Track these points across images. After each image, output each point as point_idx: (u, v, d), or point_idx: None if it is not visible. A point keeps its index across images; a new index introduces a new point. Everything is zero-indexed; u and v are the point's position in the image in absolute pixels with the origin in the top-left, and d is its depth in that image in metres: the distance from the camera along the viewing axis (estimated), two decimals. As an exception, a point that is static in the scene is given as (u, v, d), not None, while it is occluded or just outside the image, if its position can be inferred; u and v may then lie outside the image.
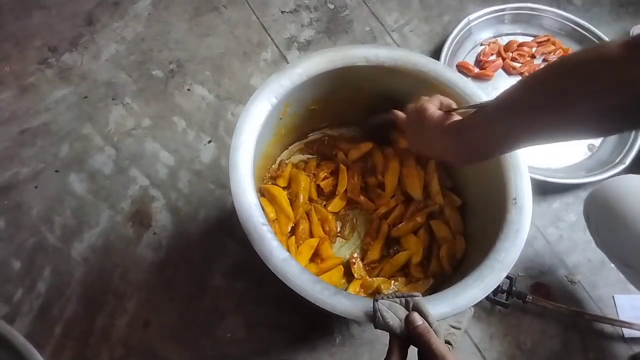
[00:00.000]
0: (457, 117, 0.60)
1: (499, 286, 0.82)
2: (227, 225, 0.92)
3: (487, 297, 0.83)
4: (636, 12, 1.28)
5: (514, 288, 0.84)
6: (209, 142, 1.00)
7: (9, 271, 0.84)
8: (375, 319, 0.50)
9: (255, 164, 0.67)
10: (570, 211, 1.00)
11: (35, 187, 0.92)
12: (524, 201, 0.67)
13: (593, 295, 0.93)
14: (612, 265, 0.95)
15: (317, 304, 0.55)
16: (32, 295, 0.83)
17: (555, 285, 0.93)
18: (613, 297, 0.93)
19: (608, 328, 0.90)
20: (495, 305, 0.87)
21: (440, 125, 0.59)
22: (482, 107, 0.54)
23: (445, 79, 0.74)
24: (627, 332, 0.90)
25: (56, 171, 0.94)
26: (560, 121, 0.45)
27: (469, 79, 1.06)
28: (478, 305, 0.88)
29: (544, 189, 1.00)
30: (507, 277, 0.84)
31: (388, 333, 0.50)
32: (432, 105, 0.63)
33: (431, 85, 0.75)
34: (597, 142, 1.07)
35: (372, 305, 0.52)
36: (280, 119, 0.76)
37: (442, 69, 0.75)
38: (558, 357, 0.87)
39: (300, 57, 0.73)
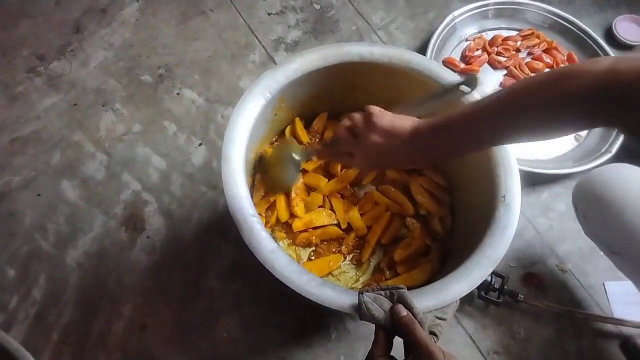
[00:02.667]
0: (409, 119, 0.58)
1: (490, 284, 0.83)
2: (220, 227, 0.93)
3: (479, 296, 0.85)
4: (618, 3, 1.30)
5: (505, 287, 0.85)
6: (200, 144, 1.00)
7: (3, 279, 0.85)
8: (360, 310, 0.51)
9: (248, 158, 0.68)
10: (559, 201, 1.01)
11: (28, 195, 0.92)
12: (512, 198, 0.68)
13: (584, 283, 0.94)
14: (602, 252, 0.97)
15: (303, 294, 0.56)
16: (27, 302, 0.83)
17: (547, 274, 0.94)
18: (604, 284, 0.94)
19: (600, 314, 0.91)
20: (488, 304, 0.88)
21: (403, 129, 0.57)
22: (461, 110, 0.54)
23: (437, 77, 0.75)
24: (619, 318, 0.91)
25: (48, 179, 0.94)
26: (548, 120, 0.47)
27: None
28: (471, 305, 0.89)
29: (533, 180, 1.01)
30: (499, 275, 0.85)
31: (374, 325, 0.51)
32: (377, 109, 0.60)
33: (424, 82, 0.76)
34: (583, 132, 1.08)
35: (357, 298, 0.52)
36: (276, 114, 0.77)
37: (435, 67, 0.76)
38: (552, 345, 0.88)
39: (295, 54, 0.74)
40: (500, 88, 1.11)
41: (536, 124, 0.49)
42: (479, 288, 0.84)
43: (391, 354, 0.50)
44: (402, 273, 0.77)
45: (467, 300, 0.89)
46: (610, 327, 0.90)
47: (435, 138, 0.55)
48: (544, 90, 0.46)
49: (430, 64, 0.76)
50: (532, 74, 0.46)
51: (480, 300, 0.87)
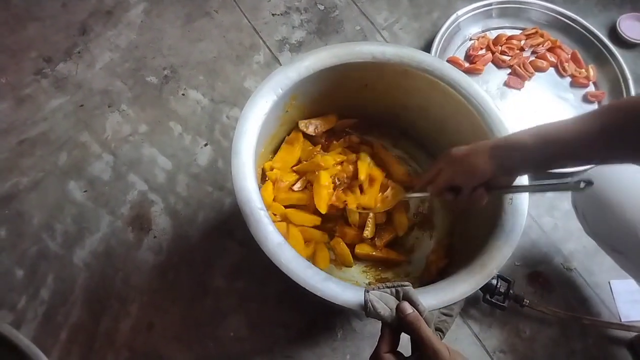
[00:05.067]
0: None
1: (496, 288, 0.83)
2: (226, 227, 0.93)
3: (484, 299, 0.85)
4: (622, 2, 1.30)
5: (511, 291, 0.84)
6: (205, 145, 1.01)
7: (12, 280, 0.85)
8: (366, 308, 0.51)
9: (258, 152, 0.69)
10: (564, 200, 1.01)
11: (36, 196, 0.93)
12: (520, 201, 0.68)
13: (590, 282, 0.94)
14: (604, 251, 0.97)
15: (307, 288, 0.56)
16: (36, 302, 0.84)
17: (552, 273, 0.94)
18: (609, 282, 0.94)
19: (606, 313, 0.91)
20: (493, 308, 0.88)
21: (483, 144, 0.63)
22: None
23: (449, 79, 0.76)
24: (625, 317, 0.91)
25: (55, 180, 0.95)
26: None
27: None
28: (477, 309, 0.89)
29: (538, 179, 1.01)
30: (505, 279, 0.85)
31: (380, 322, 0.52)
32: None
33: (435, 83, 0.76)
34: (588, 131, 1.08)
35: (362, 292, 0.53)
36: (287, 111, 0.78)
37: (447, 68, 0.76)
38: (557, 344, 0.88)
39: (307, 52, 0.74)
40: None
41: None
42: (484, 291, 0.84)
43: (398, 349, 0.51)
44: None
45: (472, 304, 0.89)
46: (617, 326, 0.90)
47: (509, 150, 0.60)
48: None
49: (442, 65, 0.76)
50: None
51: (486, 304, 0.86)
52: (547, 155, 0.58)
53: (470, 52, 1.14)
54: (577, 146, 0.56)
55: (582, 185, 0.58)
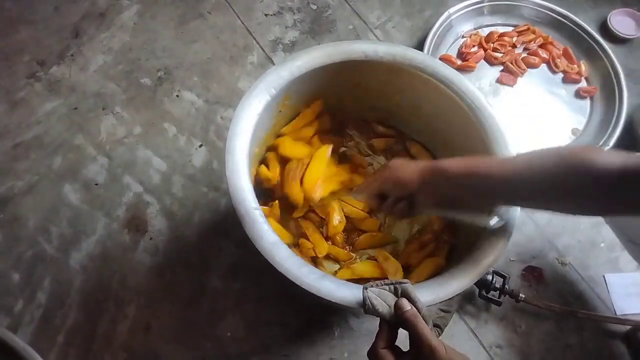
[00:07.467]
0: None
1: (492, 284, 0.84)
2: (222, 227, 0.93)
3: (479, 295, 0.85)
4: (613, -3, 1.31)
5: (506, 287, 0.85)
6: (200, 146, 1.01)
7: (8, 283, 0.85)
8: (365, 306, 0.52)
9: (252, 152, 0.69)
10: (558, 195, 1.01)
11: (31, 199, 0.93)
12: None
13: (584, 276, 0.94)
14: (602, 245, 0.98)
15: (302, 286, 0.56)
16: (32, 305, 0.84)
17: (547, 268, 0.95)
18: (604, 276, 0.95)
19: (601, 307, 0.92)
20: (489, 304, 0.88)
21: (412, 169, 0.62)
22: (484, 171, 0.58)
23: (441, 76, 0.75)
24: (620, 311, 0.92)
25: (50, 183, 0.95)
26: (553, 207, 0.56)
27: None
28: (473, 304, 0.90)
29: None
30: (500, 275, 0.86)
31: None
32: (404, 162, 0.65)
33: (427, 81, 0.76)
34: (580, 126, 1.09)
35: (358, 290, 0.53)
36: (280, 111, 0.78)
37: (439, 66, 0.76)
38: (554, 337, 0.89)
39: (300, 52, 0.74)
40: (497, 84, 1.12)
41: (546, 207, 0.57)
42: (480, 287, 0.85)
43: (396, 344, 0.51)
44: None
45: (468, 300, 0.90)
46: (612, 319, 0.91)
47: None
48: (553, 182, 0.52)
49: (434, 62, 0.76)
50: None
51: (482, 300, 0.87)
52: (473, 187, 0.58)
53: (463, 49, 1.14)
54: (502, 182, 0.56)
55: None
